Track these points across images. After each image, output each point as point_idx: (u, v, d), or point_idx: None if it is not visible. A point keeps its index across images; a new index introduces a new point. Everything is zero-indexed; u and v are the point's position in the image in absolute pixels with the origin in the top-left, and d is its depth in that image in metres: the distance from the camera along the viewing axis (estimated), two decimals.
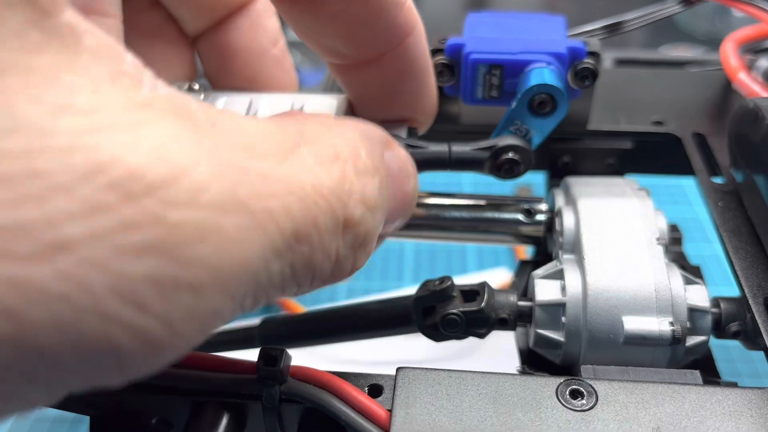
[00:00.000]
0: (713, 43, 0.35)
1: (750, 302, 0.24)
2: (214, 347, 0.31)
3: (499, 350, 0.35)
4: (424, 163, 0.28)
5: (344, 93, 0.31)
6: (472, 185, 0.68)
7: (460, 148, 0.28)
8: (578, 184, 0.29)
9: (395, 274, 0.61)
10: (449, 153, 0.28)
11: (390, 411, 0.21)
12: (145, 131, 0.13)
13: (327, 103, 0.30)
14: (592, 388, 0.21)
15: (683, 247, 0.33)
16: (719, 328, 0.26)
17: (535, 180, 0.53)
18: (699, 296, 0.25)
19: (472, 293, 0.27)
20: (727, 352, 0.51)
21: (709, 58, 0.42)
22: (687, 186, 0.64)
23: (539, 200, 0.30)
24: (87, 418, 0.25)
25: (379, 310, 0.30)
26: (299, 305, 0.49)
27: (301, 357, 0.24)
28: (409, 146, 0.28)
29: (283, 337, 0.31)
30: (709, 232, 0.57)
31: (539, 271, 0.27)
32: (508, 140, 0.27)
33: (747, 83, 0.31)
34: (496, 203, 0.30)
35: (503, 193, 0.31)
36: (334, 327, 0.31)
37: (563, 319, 0.25)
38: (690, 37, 0.93)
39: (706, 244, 0.58)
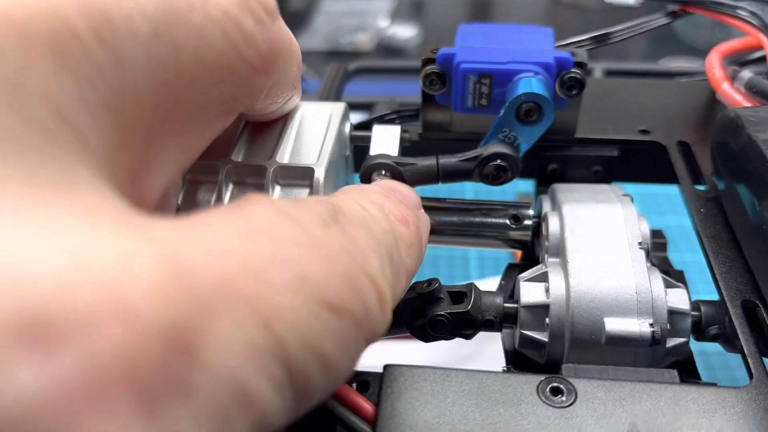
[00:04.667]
0: None
1: (728, 305, 0.25)
2: None
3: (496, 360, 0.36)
4: (415, 179, 0.29)
5: (342, 101, 0.32)
6: (474, 194, 0.69)
7: (448, 161, 0.29)
8: (564, 190, 0.30)
9: None
10: (437, 166, 0.29)
11: (377, 405, 0.22)
12: None
13: (325, 110, 0.31)
14: (572, 385, 0.22)
15: (679, 254, 0.34)
16: (699, 331, 0.26)
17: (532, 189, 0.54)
18: (679, 299, 0.26)
19: (459, 295, 0.27)
20: (725, 359, 0.51)
21: (698, 70, 0.43)
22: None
23: (527, 206, 0.31)
24: None
25: None
26: None
27: None
28: (398, 164, 0.29)
29: None
30: None
31: (525, 274, 0.28)
32: (495, 148, 0.28)
33: (730, 93, 0.32)
34: (485, 208, 0.31)
35: (504, 200, 0.32)
36: None
37: (547, 320, 0.26)
38: (691, 48, 0.95)
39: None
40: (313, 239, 0.17)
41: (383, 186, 0.25)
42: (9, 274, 0.11)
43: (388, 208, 0.22)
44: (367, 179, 0.29)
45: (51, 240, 0.12)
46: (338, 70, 0.43)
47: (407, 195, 0.25)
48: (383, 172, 0.29)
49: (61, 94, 0.14)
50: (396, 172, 0.29)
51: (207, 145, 0.21)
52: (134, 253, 0.12)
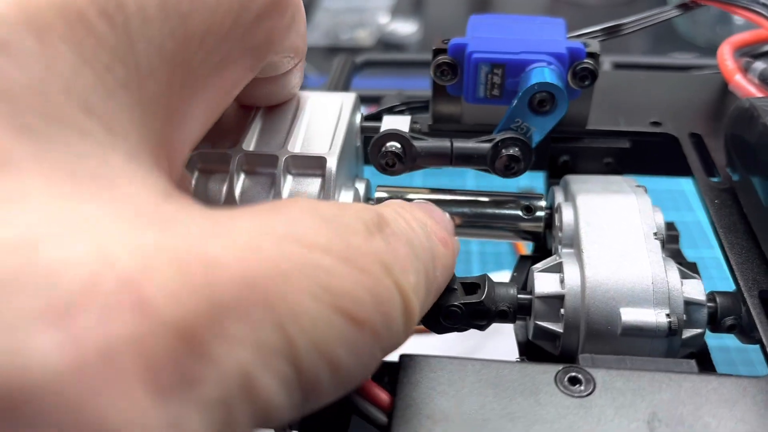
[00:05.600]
0: (715, 50, 0.36)
1: (745, 296, 0.25)
2: None
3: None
4: (427, 157, 0.29)
5: (352, 92, 0.32)
6: (476, 188, 0.69)
7: (462, 144, 0.29)
8: (577, 181, 0.30)
9: None
10: (451, 148, 0.28)
11: (393, 395, 0.21)
12: None
13: (336, 100, 0.30)
14: (590, 375, 0.22)
15: (685, 251, 0.33)
16: (715, 322, 0.26)
17: (538, 185, 0.53)
18: (695, 290, 0.26)
19: (472, 286, 0.27)
20: (728, 355, 0.51)
21: (707, 63, 0.43)
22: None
23: (539, 197, 0.31)
24: None
25: None
26: None
27: None
28: (413, 137, 0.29)
29: None
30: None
31: (538, 265, 0.27)
32: (508, 134, 0.28)
33: (743, 85, 0.32)
34: (497, 200, 0.31)
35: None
36: None
37: (562, 311, 0.26)
38: (692, 45, 0.94)
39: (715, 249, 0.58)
40: (349, 247, 0.17)
41: (423, 206, 0.25)
42: (44, 264, 0.12)
43: (430, 227, 0.22)
44: (377, 151, 0.29)
45: (85, 236, 0.13)
46: (345, 63, 0.43)
47: (444, 218, 0.25)
48: (395, 143, 0.29)
49: (84, 88, 0.15)
50: (408, 144, 0.29)
51: (233, 96, 0.22)
52: (157, 250, 0.13)
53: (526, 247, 0.52)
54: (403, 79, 0.63)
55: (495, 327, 0.28)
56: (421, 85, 0.33)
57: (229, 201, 0.27)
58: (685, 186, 0.65)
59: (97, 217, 0.13)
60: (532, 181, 0.58)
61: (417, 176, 0.62)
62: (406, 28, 1.02)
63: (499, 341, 0.44)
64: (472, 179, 0.69)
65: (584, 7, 1.08)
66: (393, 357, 0.23)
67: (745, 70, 0.33)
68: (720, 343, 0.45)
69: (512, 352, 0.30)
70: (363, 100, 0.42)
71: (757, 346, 0.24)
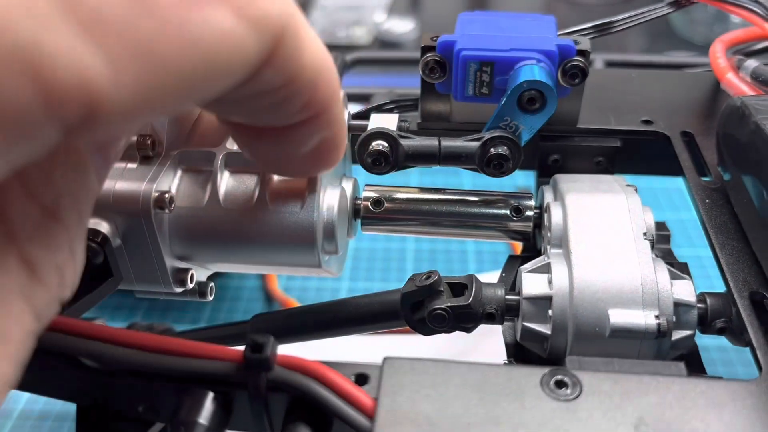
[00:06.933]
0: None
1: (735, 297, 0.24)
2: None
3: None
4: (414, 157, 0.29)
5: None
6: (473, 187, 0.68)
7: (450, 143, 0.28)
8: (567, 180, 0.29)
9: (396, 276, 0.61)
10: (439, 147, 0.28)
11: (376, 399, 0.21)
12: None
13: None
14: (577, 378, 0.21)
15: (677, 249, 0.33)
16: (705, 323, 0.26)
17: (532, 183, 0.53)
18: (685, 291, 0.25)
19: (460, 287, 0.27)
20: (726, 354, 0.51)
21: (700, 61, 0.43)
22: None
23: (528, 197, 0.31)
24: None
25: (369, 304, 0.30)
26: (293, 300, 0.49)
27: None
28: (400, 136, 0.28)
29: (274, 333, 0.31)
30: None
31: (527, 266, 0.27)
32: (497, 132, 0.28)
33: (735, 83, 0.32)
34: (486, 199, 0.31)
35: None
36: (325, 321, 0.31)
37: (550, 312, 0.25)
38: (688, 43, 0.94)
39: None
40: None
41: None
42: None
43: None
44: (364, 149, 0.29)
45: None
46: (336, 61, 0.42)
47: None
48: (382, 142, 0.28)
49: None
50: (395, 143, 0.29)
51: None
52: None
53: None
54: (396, 78, 0.62)
55: (491, 327, 0.28)
56: (415, 84, 0.32)
57: (213, 200, 0.26)
58: (681, 183, 0.64)
59: None
60: (528, 180, 0.57)
61: (413, 175, 0.61)
62: (402, 26, 1.02)
63: (496, 342, 0.43)
64: (468, 178, 0.68)
65: (581, 5, 1.08)
66: (377, 360, 0.23)
67: (738, 68, 0.32)
68: (717, 344, 0.45)
69: None
70: (353, 98, 0.42)
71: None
